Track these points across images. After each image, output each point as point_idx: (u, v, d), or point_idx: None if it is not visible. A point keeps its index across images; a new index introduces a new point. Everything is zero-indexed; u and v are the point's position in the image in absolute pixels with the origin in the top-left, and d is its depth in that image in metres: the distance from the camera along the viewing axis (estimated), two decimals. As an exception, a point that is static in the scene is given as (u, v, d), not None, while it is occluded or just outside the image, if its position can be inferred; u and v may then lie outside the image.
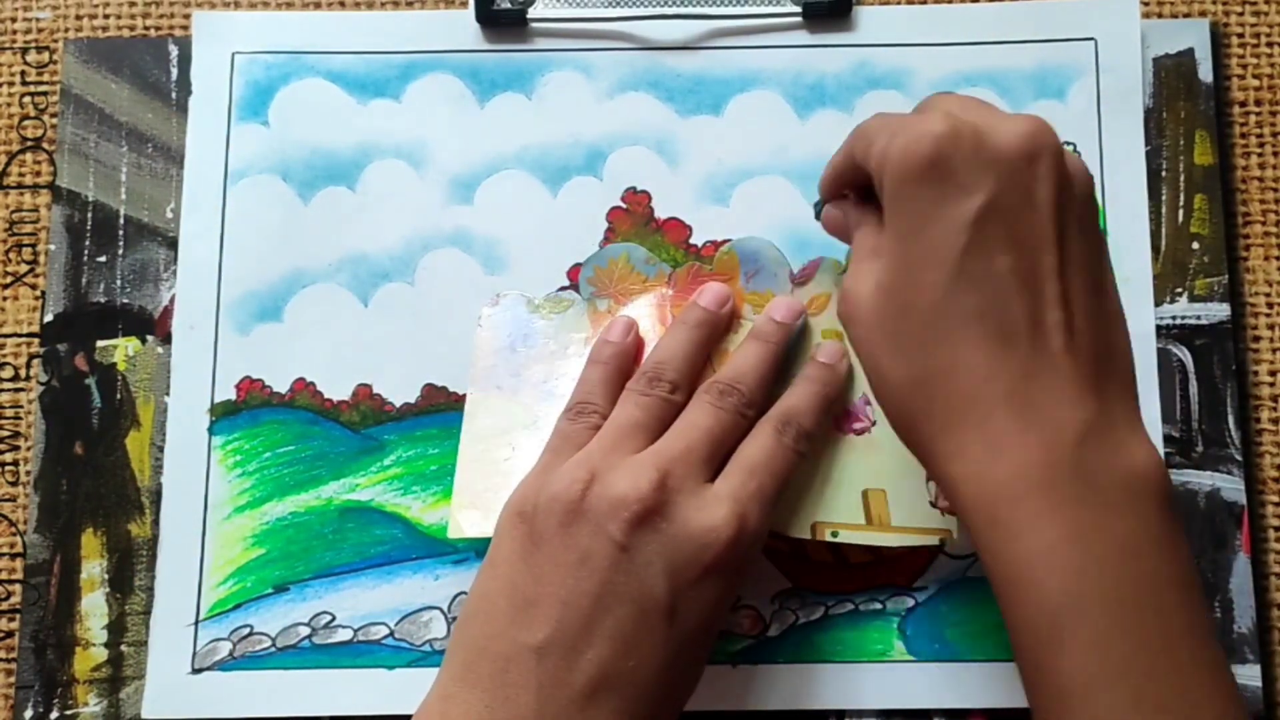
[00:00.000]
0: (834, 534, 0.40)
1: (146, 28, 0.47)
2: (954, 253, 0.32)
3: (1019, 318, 0.32)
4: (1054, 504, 0.31)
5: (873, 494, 0.41)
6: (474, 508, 0.41)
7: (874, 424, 0.42)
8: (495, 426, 0.42)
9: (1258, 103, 0.47)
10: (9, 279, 0.46)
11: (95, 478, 0.44)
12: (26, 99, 0.47)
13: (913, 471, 0.40)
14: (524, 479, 0.38)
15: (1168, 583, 0.31)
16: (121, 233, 0.46)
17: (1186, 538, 0.33)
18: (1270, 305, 0.45)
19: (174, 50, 0.47)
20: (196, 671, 0.42)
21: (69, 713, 0.42)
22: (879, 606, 0.43)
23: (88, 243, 0.46)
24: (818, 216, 0.40)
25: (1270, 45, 0.47)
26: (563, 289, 0.45)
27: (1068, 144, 0.45)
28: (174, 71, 0.47)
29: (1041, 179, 0.32)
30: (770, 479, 0.38)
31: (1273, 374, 0.45)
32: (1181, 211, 0.45)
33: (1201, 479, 0.44)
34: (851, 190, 0.38)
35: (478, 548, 0.42)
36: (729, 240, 0.44)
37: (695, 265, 0.44)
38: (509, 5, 0.46)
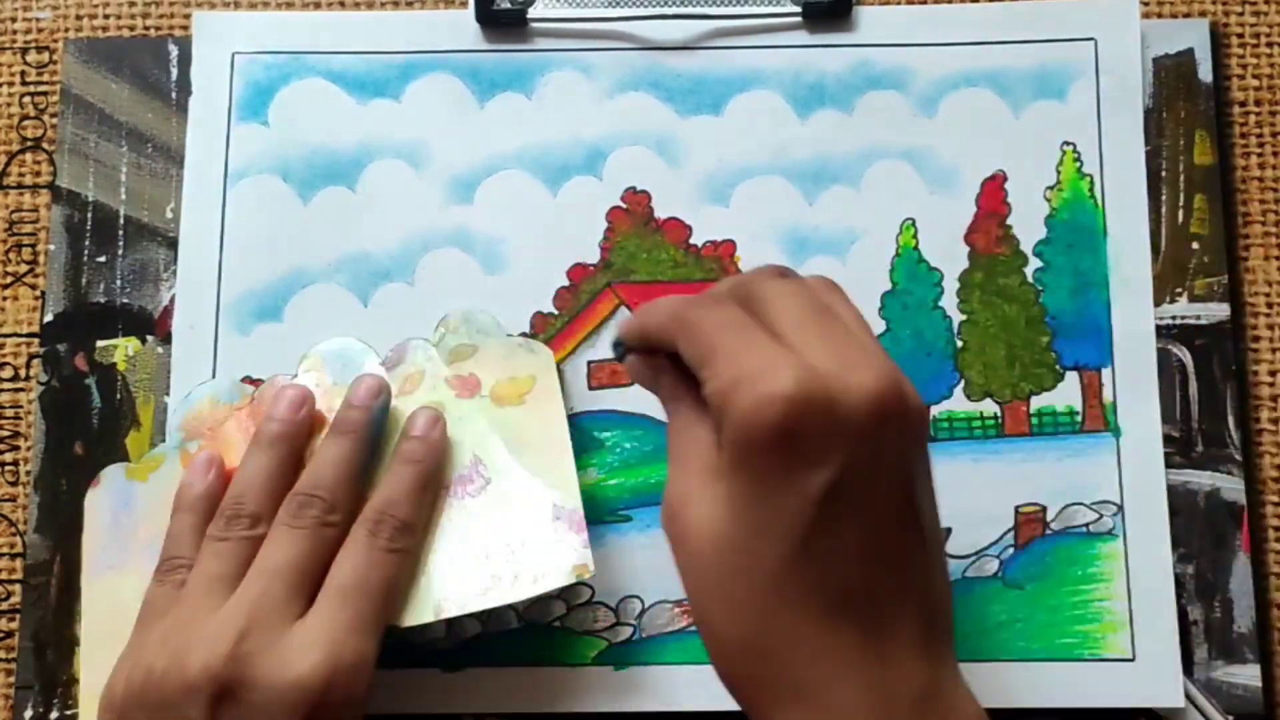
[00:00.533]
0: (460, 606, 0.39)
1: (146, 28, 0.47)
2: (799, 527, 0.29)
3: (860, 589, 0.30)
4: None
5: (498, 553, 0.40)
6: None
7: (488, 481, 0.40)
8: (113, 608, 0.40)
9: (1258, 103, 0.47)
10: (9, 279, 0.46)
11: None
12: (26, 99, 0.47)
13: (537, 516, 0.40)
14: (116, 663, 0.36)
15: None
16: (121, 233, 0.46)
17: None
18: (1270, 305, 0.45)
19: (174, 50, 0.47)
20: (196, 671, 0.42)
21: (69, 713, 0.42)
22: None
23: (88, 243, 0.46)
24: (619, 359, 0.35)
25: (1270, 45, 0.47)
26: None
27: (1067, 144, 0.45)
28: (174, 71, 0.47)
29: (890, 443, 0.30)
30: (366, 600, 0.36)
31: (1272, 374, 0.45)
32: (1181, 211, 0.45)
33: (1201, 479, 0.44)
34: (665, 354, 0.33)
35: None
36: (325, 343, 0.43)
37: (277, 378, 0.43)
38: (509, 5, 0.46)
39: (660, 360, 0.33)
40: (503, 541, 0.40)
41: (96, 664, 0.39)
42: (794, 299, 0.31)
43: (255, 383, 0.44)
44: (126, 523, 0.41)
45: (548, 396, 0.42)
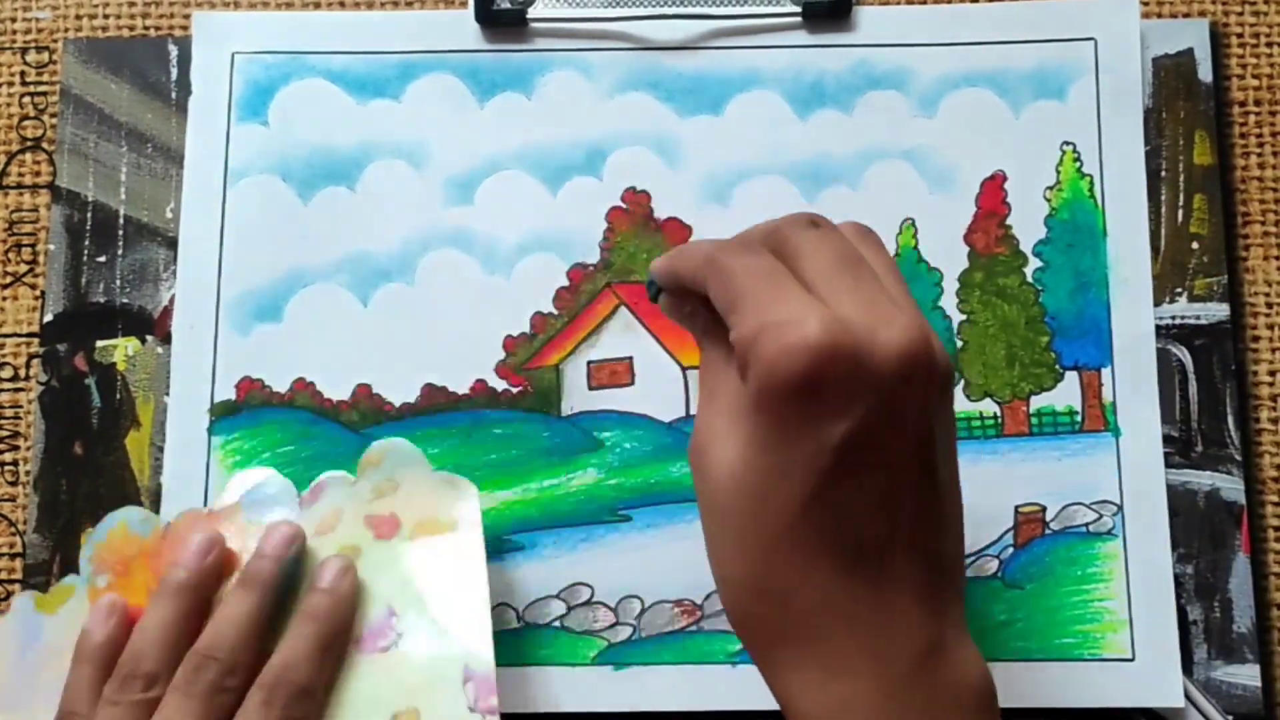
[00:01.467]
0: None
1: (146, 28, 0.47)
2: (816, 474, 0.29)
3: (871, 540, 0.30)
4: None
5: (404, 716, 0.38)
6: None
7: (400, 636, 0.39)
8: None
9: (1257, 103, 0.47)
10: (9, 279, 0.46)
11: (95, 478, 0.44)
12: (26, 99, 0.47)
13: (446, 680, 0.38)
14: None
15: None
16: (121, 233, 0.46)
17: None
18: (1269, 305, 0.45)
19: (174, 50, 0.47)
20: (196, 671, 0.42)
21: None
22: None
23: (87, 243, 0.46)
24: (653, 298, 0.36)
25: (1270, 45, 0.47)
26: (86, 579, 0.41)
27: (1067, 144, 0.45)
28: (174, 71, 0.47)
29: (914, 399, 0.30)
30: None
31: (1272, 374, 0.45)
32: (1181, 211, 0.45)
33: (1201, 479, 0.44)
34: (698, 301, 0.34)
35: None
36: (247, 471, 0.42)
37: (191, 512, 0.41)
38: (509, 5, 0.46)
39: (694, 300, 0.34)
40: (410, 705, 0.38)
41: None
42: (826, 248, 0.31)
43: (256, 383, 0.44)
44: (32, 660, 0.40)
45: (468, 541, 0.40)
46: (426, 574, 0.40)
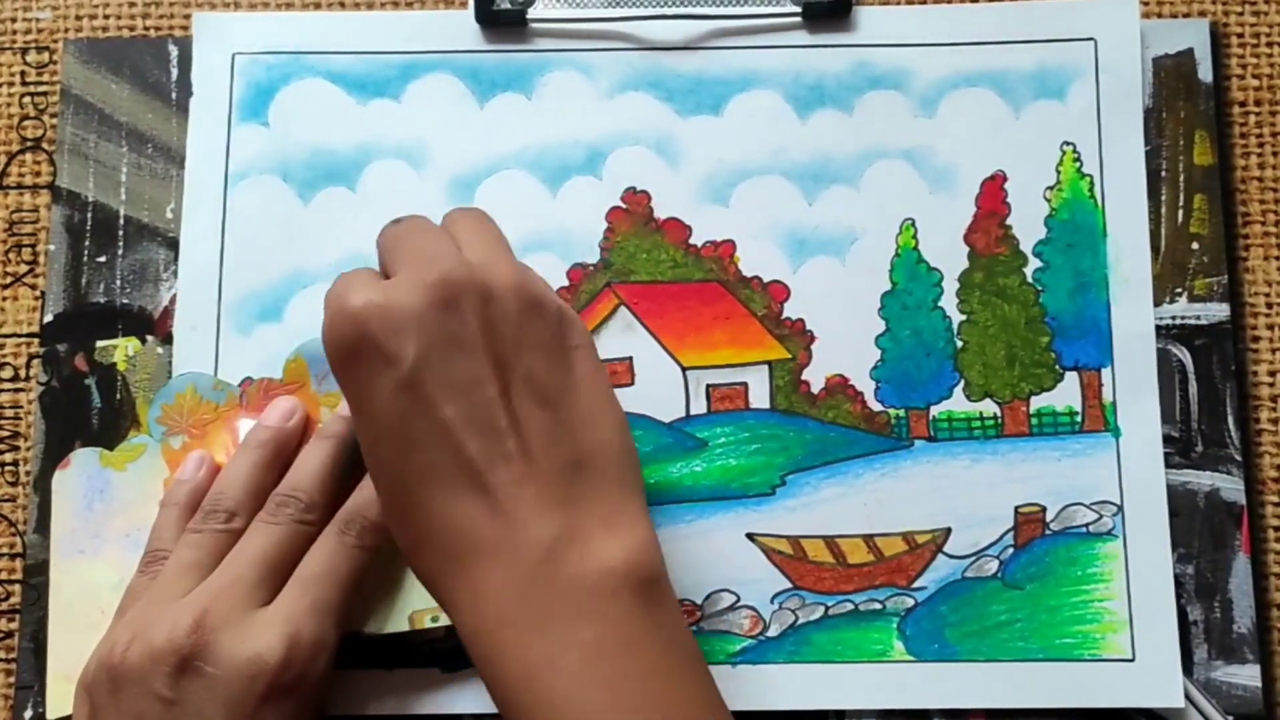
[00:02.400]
0: (434, 619, 0.39)
1: (146, 28, 0.47)
2: (395, 420, 0.33)
3: (472, 460, 0.33)
4: (528, 628, 0.33)
5: None
6: (69, 681, 0.39)
7: None
8: (82, 593, 0.41)
9: (1257, 103, 0.47)
10: (9, 279, 0.46)
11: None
12: (26, 99, 0.47)
13: None
14: (96, 646, 0.37)
15: (640, 676, 0.32)
16: (121, 233, 0.46)
17: (676, 617, 0.34)
18: (1270, 305, 0.45)
19: (174, 51, 0.47)
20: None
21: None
22: (879, 607, 0.43)
23: (88, 243, 0.46)
24: None
25: (1270, 45, 0.47)
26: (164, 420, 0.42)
27: (1067, 144, 0.45)
28: (174, 72, 0.47)
29: (466, 320, 0.33)
30: (330, 588, 0.37)
31: (1272, 374, 0.45)
32: (1181, 211, 0.45)
33: (1201, 479, 0.44)
34: None
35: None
36: (308, 342, 0.43)
37: (265, 381, 0.43)
38: (509, 5, 0.46)
39: None
40: None
41: (62, 648, 0.40)
42: (388, 237, 0.38)
43: (245, 383, 0.44)
44: (102, 510, 0.42)
45: None
46: None
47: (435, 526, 0.34)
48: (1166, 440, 0.44)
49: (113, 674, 0.35)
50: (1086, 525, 0.43)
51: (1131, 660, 0.42)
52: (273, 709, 0.35)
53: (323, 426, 0.41)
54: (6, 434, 0.45)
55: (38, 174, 0.46)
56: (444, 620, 0.39)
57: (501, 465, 0.33)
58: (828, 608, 0.43)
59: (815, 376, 0.44)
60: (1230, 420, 0.44)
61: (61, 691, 0.40)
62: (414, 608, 0.39)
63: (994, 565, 0.43)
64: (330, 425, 0.41)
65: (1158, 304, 0.45)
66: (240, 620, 0.36)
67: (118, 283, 0.45)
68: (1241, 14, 0.47)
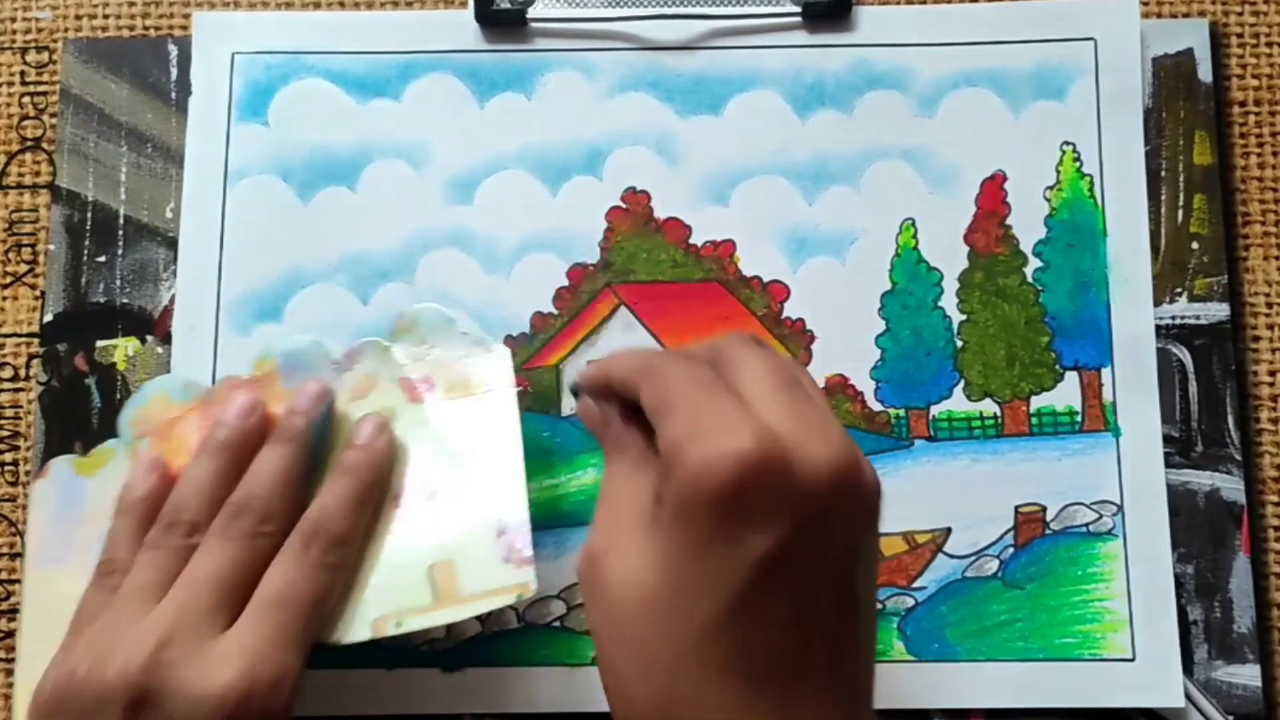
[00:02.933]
0: (398, 624, 0.38)
1: (146, 28, 0.47)
2: (733, 590, 0.28)
3: (782, 658, 0.29)
4: None
5: (440, 568, 0.38)
6: None
7: (435, 493, 0.40)
8: (52, 604, 0.39)
9: (1257, 103, 0.47)
10: (9, 279, 0.46)
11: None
12: (26, 99, 0.47)
13: (481, 531, 0.39)
14: (49, 664, 0.36)
15: None
16: (121, 233, 0.46)
17: None
18: (1270, 305, 0.45)
19: (174, 50, 0.47)
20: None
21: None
22: (879, 606, 0.43)
23: (87, 243, 0.46)
24: (575, 396, 0.37)
25: (1270, 45, 0.47)
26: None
27: (1067, 144, 0.45)
28: (174, 71, 0.47)
29: (840, 516, 0.29)
30: (291, 614, 0.35)
31: (1272, 374, 0.45)
32: (1181, 211, 0.45)
33: (1201, 479, 0.44)
34: (619, 403, 0.33)
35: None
36: (285, 341, 0.42)
37: (230, 379, 0.42)
38: (509, 5, 0.46)
39: (611, 407, 0.33)
40: (444, 557, 0.39)
41: (32, 659, 0.39)
42: (763, 365, 0.31)
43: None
44: (72, 518, 0.41)
45: (501, 401, 0.41)
46: (460, 434, 0.40)
47: (709, 707, 0.29)
48: (1166, 440, 0.44)
49: (66, 705, 0.34)
50: (1087, 525, 0.43)
51: (1132, 660, 0.42)
52: None
53: (280, 427, 0.39)
54: (6, 434, 0.45)
55: (37, 174, 0.46)
56: (407, 626, 0.38)
57: (804, 674, 0.29)
58: (828, 608, 0.43)
59: (815, 376, 0.44)
60: (1230, 420, 0.44)
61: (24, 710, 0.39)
62: (376, 614, 0.38)
63: (994, 565, 0.43)
64: (285, 426, 0.39)
65: (1158, 304, 0.45)
66: (196, 652, 0.34)
67: (117, 282, 0.45)
68: (1241, 14, 0.47)
